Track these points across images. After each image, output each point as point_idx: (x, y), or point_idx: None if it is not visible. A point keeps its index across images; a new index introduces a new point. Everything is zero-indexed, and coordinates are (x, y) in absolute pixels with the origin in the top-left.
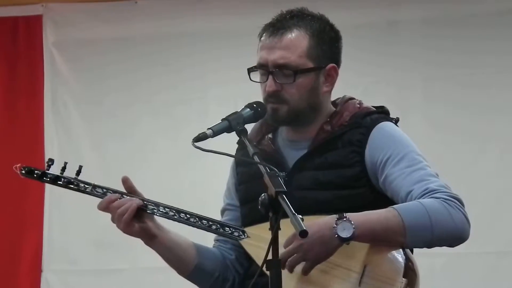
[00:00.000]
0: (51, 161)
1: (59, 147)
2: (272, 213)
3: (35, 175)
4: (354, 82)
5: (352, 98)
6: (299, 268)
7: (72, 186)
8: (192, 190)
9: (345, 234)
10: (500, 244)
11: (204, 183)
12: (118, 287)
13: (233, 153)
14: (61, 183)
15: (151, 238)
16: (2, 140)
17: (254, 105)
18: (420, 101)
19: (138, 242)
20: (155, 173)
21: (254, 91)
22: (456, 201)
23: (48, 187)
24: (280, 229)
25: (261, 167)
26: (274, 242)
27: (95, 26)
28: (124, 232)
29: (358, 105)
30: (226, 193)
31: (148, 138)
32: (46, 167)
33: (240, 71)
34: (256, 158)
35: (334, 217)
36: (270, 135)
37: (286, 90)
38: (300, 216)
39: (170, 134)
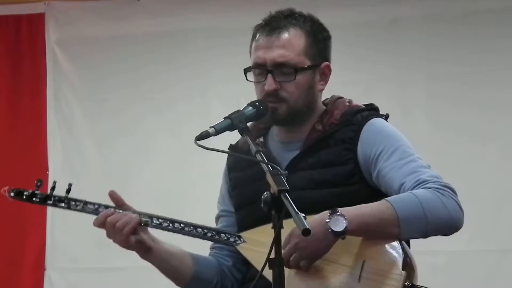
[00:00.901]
0: (40, 182)
1: (61, 144)
2: (274, 212)
3: (24, 197)
4: (356, 80)
5: (341, 97)
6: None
7: (62, 204)
8: (194, 188)
9: (338, 228)
10: (501, 242)
11: (206, 181)
12: (120, 285)
13: (226, 157)
14: (51, 202)
15: (147, 251)
16: (5, 138)
17: (257, 103)
18: (422, 99)
19: None
20: (157, 170)
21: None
22: (448, 189)
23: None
24: (282, 227)
25: (264, 166)
26: (276, 241)
27: (97, 24)
28: (121, 246)
29: (348, 103)
30: (219, 200)
31: (151, 135)
32: (35, 188)
33: (242, 69)
34: (258, 157)
35: (326, 212)
36: (261, 139)
37: (285, 89)
38: (303, 215)
39: (172, 131)
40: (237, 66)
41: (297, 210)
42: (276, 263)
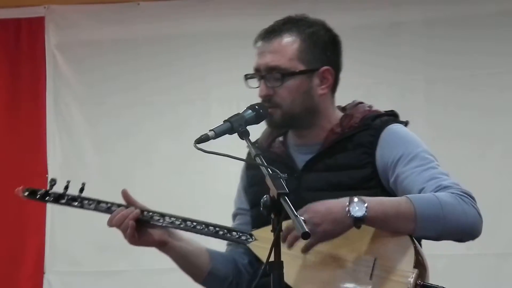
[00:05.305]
0: (54, 181)
1: (61, 148)
2: (274, 215)
3: (38, 197)
4: (356, 84)
5: (361, 102)
6: (308, 261)
7: (75, 203)
8: (194, 191)
9: (358, 213)
10: (501, 246)
11: (206, 184)
12: None
13: (244, 155)
14: (64, 201)
15: (163, 245)
16: (5, 142)
17: (256, 107)
18: (422, 103)
19: None
20: (157, 174)
21: (256, 92)
22: (469, 197)
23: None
24: (282, 230)
25: (263, 169)
26: (276, 244)
27: (97, 27)
28: (132, 245)
29: (368, 108)
30: (236, 198)
31: (150, 139)
32: (48, 187)
33: (242, 72)
34: (258, 160)
35: (347, 197)
36: (281, 138)
37: (278, 94)
38: (302, 218)
39: (172, 135)
40: (236, 69)
41: (296, 213)
42: (276, 266)
